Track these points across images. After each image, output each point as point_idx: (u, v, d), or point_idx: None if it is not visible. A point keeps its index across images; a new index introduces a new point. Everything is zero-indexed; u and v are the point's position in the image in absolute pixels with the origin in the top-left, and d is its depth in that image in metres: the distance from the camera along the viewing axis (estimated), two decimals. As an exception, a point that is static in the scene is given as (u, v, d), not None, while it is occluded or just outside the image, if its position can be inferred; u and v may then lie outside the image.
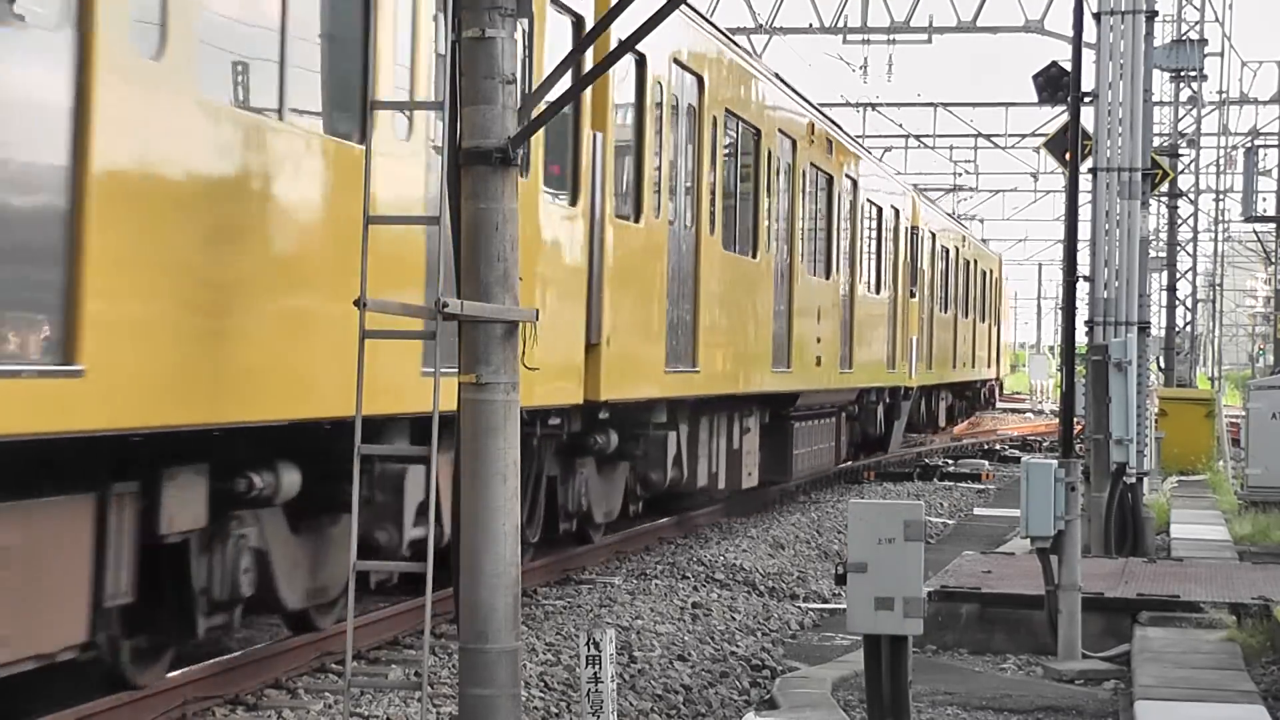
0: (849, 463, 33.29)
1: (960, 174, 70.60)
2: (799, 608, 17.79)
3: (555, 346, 14.75)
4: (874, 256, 32.66)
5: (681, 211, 19.07)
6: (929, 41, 41.32)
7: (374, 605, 14.20)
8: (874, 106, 58.16)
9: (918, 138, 62.72)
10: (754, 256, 22.48)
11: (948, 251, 44.75)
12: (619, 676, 11.13)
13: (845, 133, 30.37)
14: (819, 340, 26.40)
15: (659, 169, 18.14)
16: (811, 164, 26.06)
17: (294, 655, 12.41)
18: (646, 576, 18.55)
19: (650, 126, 17.89)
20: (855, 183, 30.07)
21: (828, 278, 27.55)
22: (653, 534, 21.58)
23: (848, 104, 57.33)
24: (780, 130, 24.01)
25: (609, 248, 16.32)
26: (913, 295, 37.02)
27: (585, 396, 15.90)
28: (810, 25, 41.11)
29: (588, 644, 9.26)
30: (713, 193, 20.19)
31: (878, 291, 32.70)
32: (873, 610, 9.94)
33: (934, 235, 41.67)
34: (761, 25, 40.19)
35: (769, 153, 23.23)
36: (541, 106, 9.36)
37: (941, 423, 47.99)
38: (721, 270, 20.65)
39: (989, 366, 56.38)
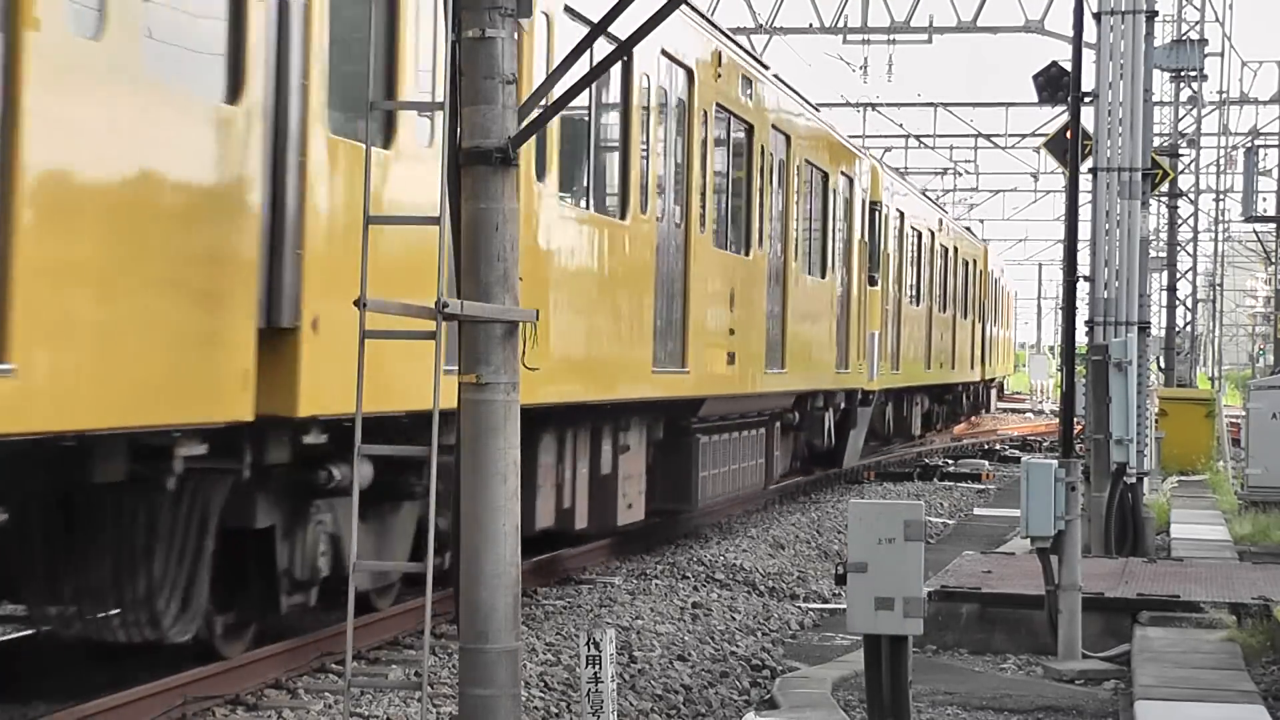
0: (785, 482, 28.30)
1: (961, 173, 70.56)
2: (799, 608, 17.79)
3: (186, 331, 9.55)
4: (818, 233, 26.92)
5: None
6: (929, 41, 41.34)
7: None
8: (874, 106, 58.17)
9: (918, 138, 62.73)
10: (623, 218, 16.85)
11: (920, 235, 39.31)
12: (619, 676, 11.13)
13: (774, 74, 24.18)
14: (732, 332, 20.83)
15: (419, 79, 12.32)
16: (720, 105, 20.33)
17: (294, 655, 12.42)
18: (646, 576, 18.56)
19: (408, 25, 12.07)
20: (788, 139, 24.27)
21: (746, 253, 21.84)
22: (652, 534, 21.57)
23: (848, 104, 57.35)
24: (666, 54, 18.10)
25: (319, 177, 10.73)
26: (873, 283, 31.81)
27: (261, 410, 10.30)
28: (810, 25, 41.13)
29: (588, 644, 9.27)
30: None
31: (822, 275, 26.97)
32: (873, 610, 9.94)
33: (902, 215, 36.57)
34: (761, 25, 40.22)
35: (646, 81, 17.50)
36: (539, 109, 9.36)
37: (916, 431, 42.77)
38: (559, 233, 15.18)
39: (973, 368, 50.94)
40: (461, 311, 8.87)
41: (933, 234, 41.43)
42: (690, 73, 19.11)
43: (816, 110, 27.26)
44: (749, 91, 21.93)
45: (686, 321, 18.99)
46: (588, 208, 16.15)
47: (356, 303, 8.85)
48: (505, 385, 9.04)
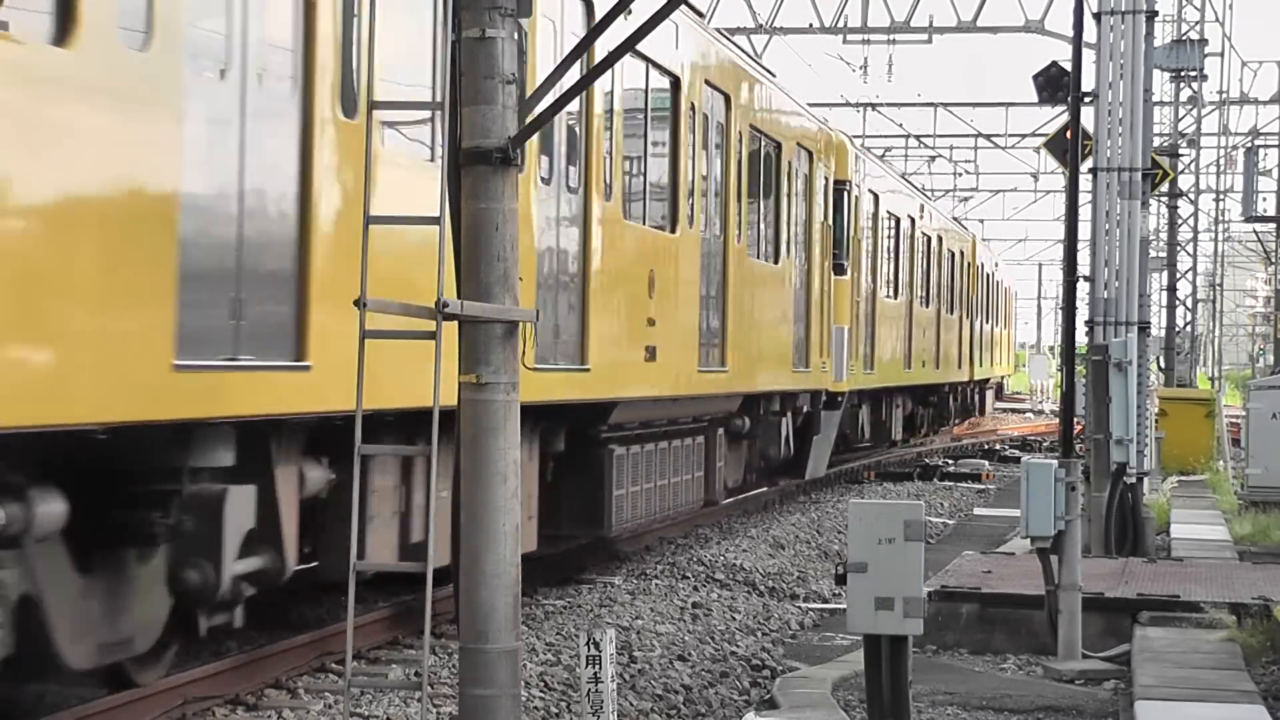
0: (737, 496, 24.92)
1: (960, 172, 70.52)
2: (799, 608, 17.80)
3: None
4: (770, 212, 23.23)
5: (237, 44, 9.99)
6: (929, 41, 41.36)
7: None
8: (874, 106, 58.20)
9: (918, 138, 62.74)
10: None
11: (898, 221, 36.07)
12: (619, 676, 11.13)
13: (712, 29, 21.20)
14: (651, 323, 17.37)
15: None
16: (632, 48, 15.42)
17: (294, 655, 12.42)
18: (646, 576, 18.56)
19: None
20: (728, 99, 20.52)
21: (672, 229, 18.22)
22: (652, 534, 21.56)
23: (848, 104, 57.37)
24: None
25: None
26: (840, 271, 28.41)
27: None
28: (810, 25, 41.15)
29: (588, 644, 9.27)
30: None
31: (775, 260, 23.31)
32: (873, 610, 9.94)
33: (876, 198, 33.11)
34: (761, 25, 40.23)
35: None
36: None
37: (896, 436, 39.04)
38: (390, 190, 11.07)
39: (960, 368, 46.79)
40: (461, 311, 8.86)
41: (913, 221, 38.08)
42: (588, 7, 15.31)
43: (773, 76, 23.86)
44: (672, 36, 18.02)
45: (586, 308, 15.59)
46: (430, 159, 12.34)
47: (356, 302, 8.84)
48: (505, 385, 9.04)
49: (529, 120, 9.15)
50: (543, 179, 14.54)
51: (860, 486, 32.78)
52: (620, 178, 16.61)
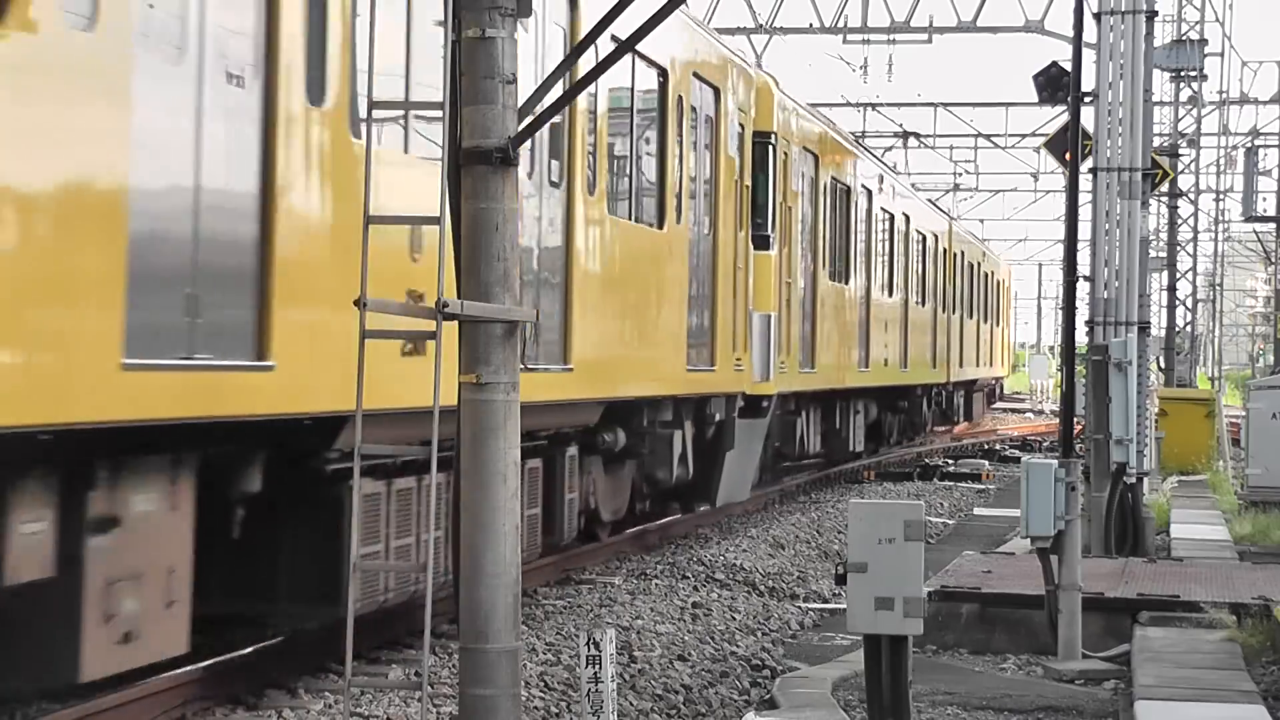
0: (621, 535, 19.89)
1: (961, 172, 70.51)
2: (799, 608, 17.80)
3: None
4: (649, 159, 17.92)
5: None
6: (929, 41, 41.37)
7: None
8: (874, 106, 58.20)
9: (918, 137, 62.74)
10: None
11: (849, 192, 30.05)
12: (619, 676, 11.14)
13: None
14: (418, 298, 11.22)
15: None
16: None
17: (294, 655, 12.42)
18: (646, 576, 18.57)
19: None
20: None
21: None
22: (653, 534, 21.55)
23: (848, 104, 57.37)
24: None
25: None
26: (765, 245, 22.94)
27: None
28: (810, 25, 41.16)
29: (588, 644, 9.27)
30: None
31: (658, 224, 17.99)
32: (873, 610, 9.95)
33: (816, 159, 27.09)
34: (761, 25, 40.23)
35: None
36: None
37: (856, 447, 33.30)
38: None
39: (935, 367, 41.21)
40: (462, 311, 8.86)
41: (869, 193, 32.12)
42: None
43: None
44: None
45: (267, 270, 10.05)
46: None
47: (357, 302, 8.85)
48: (505, 385, 9.04)
49: (529, 120, 9.15)
50: (148, 39, 9.15)
51: (860, 486, 32.78)
52: (340, 67, 10.85)
